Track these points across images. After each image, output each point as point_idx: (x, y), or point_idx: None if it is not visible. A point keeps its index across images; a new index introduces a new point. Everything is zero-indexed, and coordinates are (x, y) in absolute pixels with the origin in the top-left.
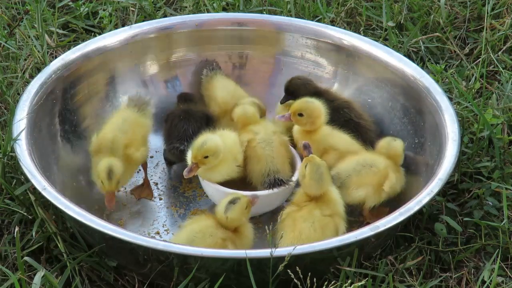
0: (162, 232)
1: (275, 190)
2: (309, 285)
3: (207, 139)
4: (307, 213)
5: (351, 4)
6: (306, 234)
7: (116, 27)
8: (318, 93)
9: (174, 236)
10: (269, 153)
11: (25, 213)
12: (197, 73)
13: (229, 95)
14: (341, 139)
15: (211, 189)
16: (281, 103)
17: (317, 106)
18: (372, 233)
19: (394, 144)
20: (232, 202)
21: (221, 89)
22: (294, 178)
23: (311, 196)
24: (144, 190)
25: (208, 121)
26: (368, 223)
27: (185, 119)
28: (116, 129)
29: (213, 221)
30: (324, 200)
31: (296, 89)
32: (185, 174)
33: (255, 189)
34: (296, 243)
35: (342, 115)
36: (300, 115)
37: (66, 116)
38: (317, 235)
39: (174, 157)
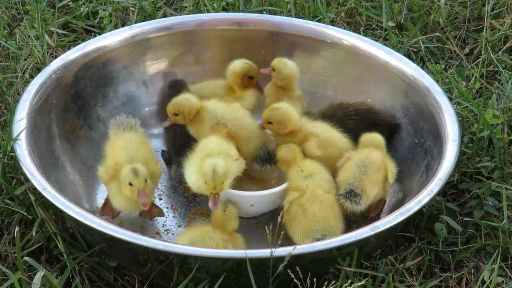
0: (162, 232)
1: (269, 166)
2: (309, 285)
3: (214, 166)
4: (311, 195)
5: (351, 4)
6: (319, 215)
7: (116, 27)
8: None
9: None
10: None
11: (25, 213)
12: (164, 93)
13: None
14: (320, 126)
15: None
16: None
17: (283, 112)
18: (372, 233)
19: (375, 136)
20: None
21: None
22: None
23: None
24: (154, 209)
25: None
26: (371, 218)
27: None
28: (126, 151)
29: (210, 227)
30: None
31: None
32: (213, 208)
33: (256, 188)
34: (313, 226)
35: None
36: (270, 123)
37: (66, 116)
38: (328, 214)
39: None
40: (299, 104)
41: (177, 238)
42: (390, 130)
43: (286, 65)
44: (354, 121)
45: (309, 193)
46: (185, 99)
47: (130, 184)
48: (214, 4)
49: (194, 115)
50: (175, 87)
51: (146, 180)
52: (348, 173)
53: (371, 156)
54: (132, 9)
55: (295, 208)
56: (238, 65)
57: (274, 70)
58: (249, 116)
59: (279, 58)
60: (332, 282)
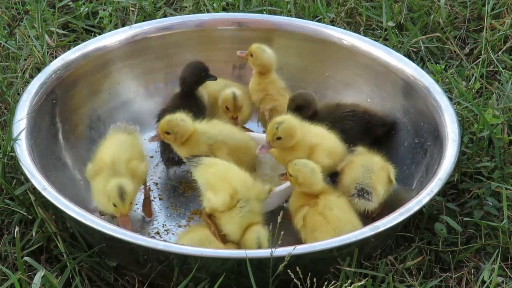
0: (162, 232)
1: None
2: (309, 285)
3: (283, 120)
4: (328, 202)
5: (351, 4)
6: (343, 218)
7: (116, 27)
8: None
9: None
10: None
11: (25, 213)
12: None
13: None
14: (320, 133)
15: None
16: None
17: (290, 124)
18: (372, 233)
19: (362, 150)
20: None
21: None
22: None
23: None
24: (149, 206)
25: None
26: (372, 219)
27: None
28: (113, 149)
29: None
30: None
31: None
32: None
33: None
34: (340, 230)
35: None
36: (279, 138)
37: (66, 116)
38: (349, 215)
39: (172, 164)
40: (286, 95)
41: (177, 240)
42: (387, 129)
43: (264, 52)
44: (351, 121)
45: (324, 201)
46: (181, 120)
47: (114, 205)
48: (214, 4)
49: (187, 138)
50: (193, 71)
51: (131, 203)
52: (355, 174)
53: (373, 159)
54: (132, 9)
55: (314, 218)
56: (224, 92)
57: (252, 56)
58: (235, 128)
59: (258, 44)
60: (332, 282)
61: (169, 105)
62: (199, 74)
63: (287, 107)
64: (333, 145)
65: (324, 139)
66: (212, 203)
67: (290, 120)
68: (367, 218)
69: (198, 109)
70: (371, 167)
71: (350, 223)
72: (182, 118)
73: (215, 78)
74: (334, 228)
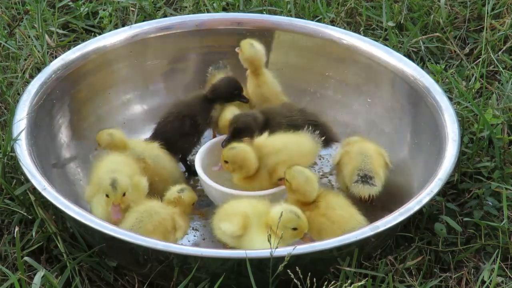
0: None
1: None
2: (309, 285)
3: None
4: (328, 202)
5: (351, 4)
6: (347, 215)
7: (116, 27)
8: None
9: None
10: None
11: (25, 213)
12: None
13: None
14: (283, 145)
15: (211, 189)
16: (223, 146)
17: (240, 152)
18: (372, 233)
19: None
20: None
21: None
22: None
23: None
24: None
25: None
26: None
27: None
28: (112, 168)
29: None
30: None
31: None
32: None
33: (258, 189)
34: (346, 228)
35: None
36: (226, 162)
37: (66, 116)
38: (351, 211)
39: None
40: (284, 98)
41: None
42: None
43: (251, 46)
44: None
45: (324, 203)
46: (107, 134)
47: (107, 196)
48: (214, 4)
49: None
50: (228, 86)
51: (124, 194)
52: (355, 162)
53: (367, 145)
54: (132, 9)
55: (318, 220)
56: (227, 114)
57: (241, 51)
58: (168, 156)
59: (248, 39)
60: (332, 282)
61: (185, 103)
62: (232, 91)
63: (228, 131)
64: (296, 150)
65: (285, 149)
66: (227, 232)
67: (241, 149)
68: (367, 204)
69: (205, 119)
70: (368, 153)
71: (354, 220)
72: (109, 133)
73: (246, 101)
74: (340, 227)
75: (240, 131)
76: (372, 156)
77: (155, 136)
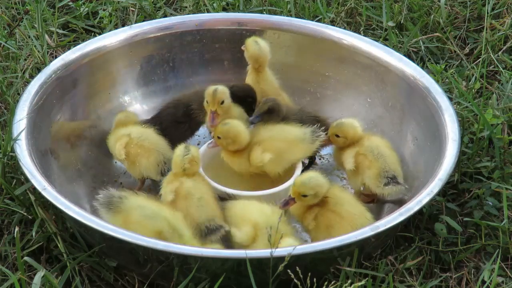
0: None
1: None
2: (309, 285)
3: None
4: (336, 199)
5: (351, 4)
6: (356, 211)
7: (116, 27)
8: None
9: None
10: None
11: (25, 213)
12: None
13: None
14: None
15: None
16: (253, 122)
17: (233, 127)
18: (372, 233)
19: (350, 122)
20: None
21: None
22: None
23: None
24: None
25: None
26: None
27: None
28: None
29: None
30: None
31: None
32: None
33: (259, 188)
34: (355, 224)
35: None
36: (219, 138)
37: (66, 116)
38: (360, 208)
39: None
40: (283, 94)
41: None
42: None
43: (256, 44)
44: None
45: (332, 200)
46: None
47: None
48: (214, 4)
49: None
50: (242, 92)
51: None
52: (377, 164)
53: (375, 143)
54: (132, 9)
55: (327, 216)
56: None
57: (246, 48)
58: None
59: (254, 36)
60: (332, 282)
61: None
62: (245, 97)
63: (259, 110)
64: (283, 135)
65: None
66: (236, 239)
67: (234, 124)
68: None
69: (200, 107)
70: (385, 153)
71: (364, 216)
72: None
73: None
74: (349, 224)
75: (272, 111)
76: (389, 154)
77: (151, 121)
